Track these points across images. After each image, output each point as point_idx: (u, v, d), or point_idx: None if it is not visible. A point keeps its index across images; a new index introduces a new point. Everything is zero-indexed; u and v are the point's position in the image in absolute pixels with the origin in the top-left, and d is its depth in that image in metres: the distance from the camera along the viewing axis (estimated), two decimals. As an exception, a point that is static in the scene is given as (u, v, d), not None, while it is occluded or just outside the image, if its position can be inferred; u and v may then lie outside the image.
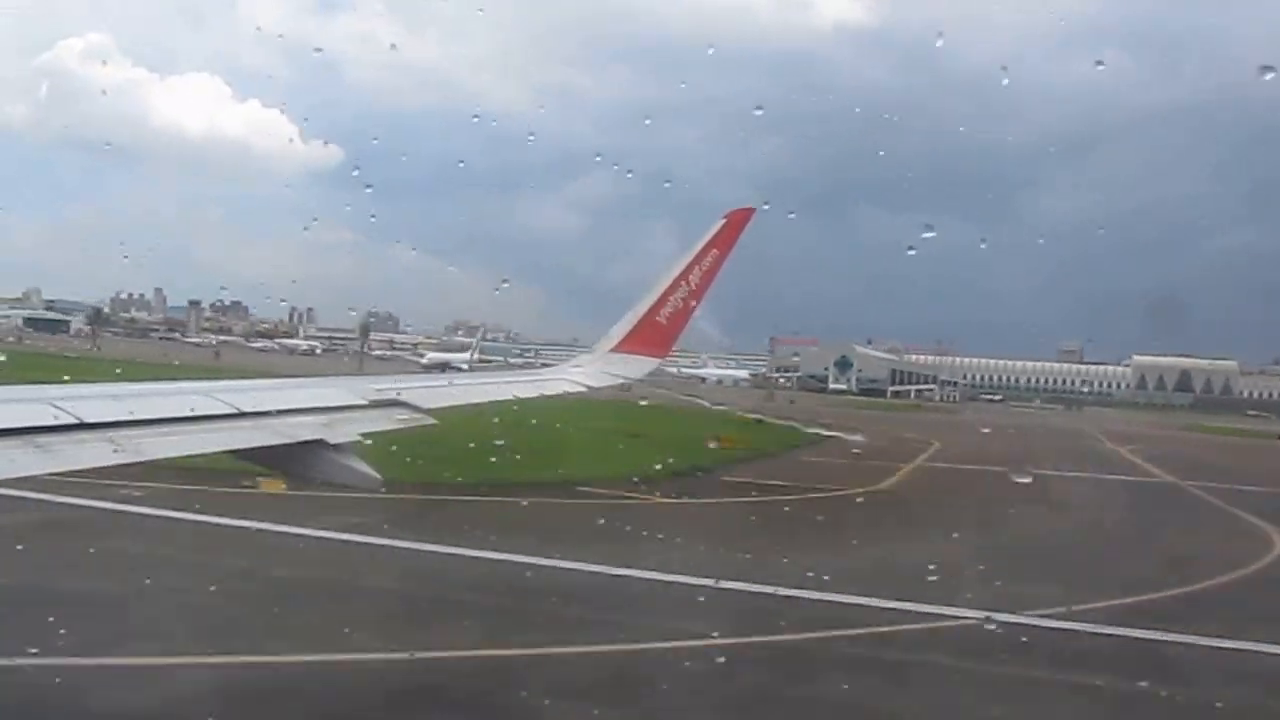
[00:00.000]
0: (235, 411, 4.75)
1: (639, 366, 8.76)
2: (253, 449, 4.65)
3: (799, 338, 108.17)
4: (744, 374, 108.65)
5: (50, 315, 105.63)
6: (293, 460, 4.80)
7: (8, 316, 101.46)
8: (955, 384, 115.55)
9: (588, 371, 8.35)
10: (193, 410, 4.58)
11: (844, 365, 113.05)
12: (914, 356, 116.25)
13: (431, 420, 5.86)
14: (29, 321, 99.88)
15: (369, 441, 5.21)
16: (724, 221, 8.92)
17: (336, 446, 4.96)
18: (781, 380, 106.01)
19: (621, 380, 8.54)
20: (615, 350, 8.63)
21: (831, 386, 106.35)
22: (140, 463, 4.04)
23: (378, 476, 4.99)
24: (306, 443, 4.81)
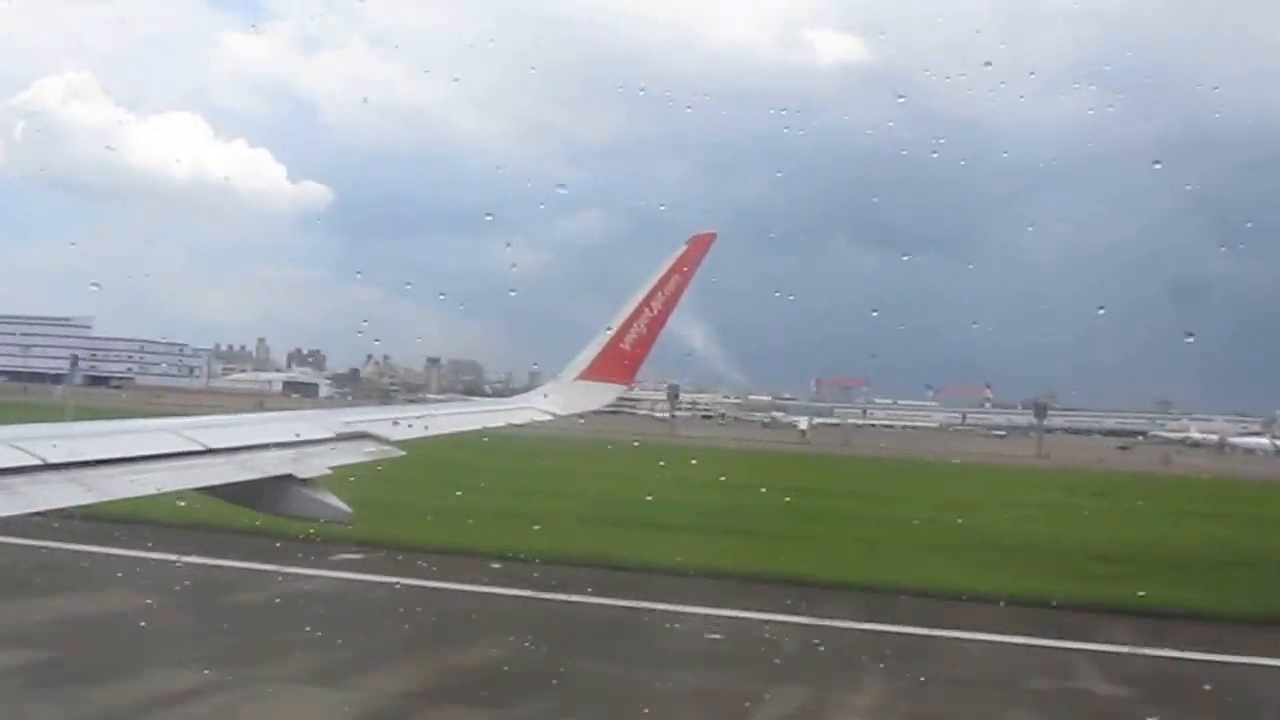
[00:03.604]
0: (203, 449, 4.69)
1: (604, 394, 8.75)
2: (222, 485, 4.59)
3: (848, 377, 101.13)
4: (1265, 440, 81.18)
5: (304, 379, 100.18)
6: (262, 495, 4.75)
7: (269, 382, 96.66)
8: None
9: (554, 400, 8.33)
10: (160, 448, 4.51)
11: None
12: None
13: (400, 452, 5.84)
14: (288, 386, 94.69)
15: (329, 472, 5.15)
16: (686, 247, 8.98)
17: (306, 480, 4.93)
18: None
19: (589, 408, 8.52)
20: (581, 378, 8.62)
21: None
22: (108, 502, 3.97)
23: (347, 509, 4.96)
24: (276, 477, 4.77)
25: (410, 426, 6.17)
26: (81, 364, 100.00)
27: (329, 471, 5.10)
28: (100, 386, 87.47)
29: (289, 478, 4.88)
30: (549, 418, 8.01)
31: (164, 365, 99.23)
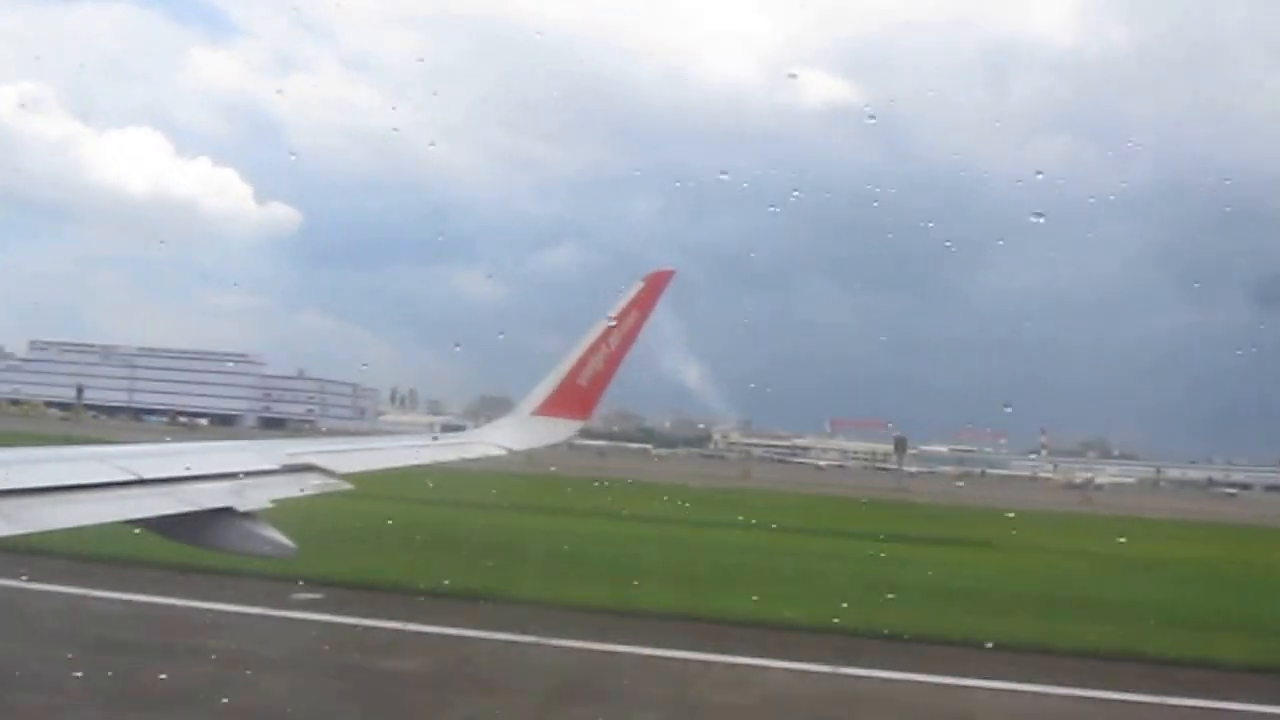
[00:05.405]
0: (135, 479, 4.46)
1: (561, 430, 8.64)
2: (155, 518, 4.36)
3: (863, 420, 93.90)
4: None
5: (456, 421, 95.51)
6: (200, 529, 4.52)
7: (429, 425, 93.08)
8: None
9: (508, 435, 8.20)
10: (88, 478, 4.28)
11: None
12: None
13: (347, 485, 5.64)
14: (444, 428, 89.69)
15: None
16: (643, 284, 8.93)
17: (247, 514, 4.71)
18: None
19: (544, 444, 8.38)
20: (537, 413, 8.49)
21: None
22: (30, 534, 3.73)
23: (291, 544, 4.74)
24: (215, 510, 4.55)
25: (357, 459, 5.98)
26: (256, 404, 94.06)
27: (271, 505, 4.88)
28: (278, 429, 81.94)
29: (228, 511, 4.66)
30: (502, 452, 7.87)
31: (340, 406, 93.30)
